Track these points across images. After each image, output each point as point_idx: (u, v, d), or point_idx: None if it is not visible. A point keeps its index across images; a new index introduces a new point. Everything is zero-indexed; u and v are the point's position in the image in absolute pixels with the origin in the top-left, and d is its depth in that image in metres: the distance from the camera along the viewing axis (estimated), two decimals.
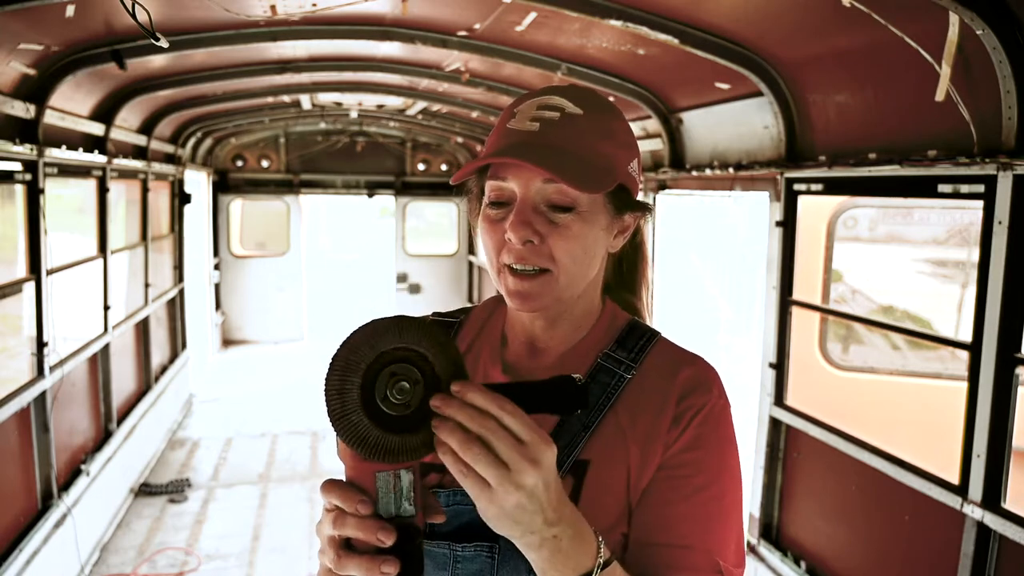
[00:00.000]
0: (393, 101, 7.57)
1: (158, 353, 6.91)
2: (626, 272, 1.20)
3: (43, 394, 3.98)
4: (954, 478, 2.68)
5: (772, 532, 3.92)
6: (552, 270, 0.98)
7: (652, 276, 1.22)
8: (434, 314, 1.21)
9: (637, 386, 1.02)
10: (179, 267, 7.81)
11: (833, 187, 3.38)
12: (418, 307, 10.42)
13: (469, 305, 1.25)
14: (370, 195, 10.73)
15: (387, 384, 0.78)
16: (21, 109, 3.69)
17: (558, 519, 0.79)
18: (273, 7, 3.64)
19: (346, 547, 0.81)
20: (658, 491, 0.97)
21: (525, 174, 0.97)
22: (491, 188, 1.01)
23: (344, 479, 0.83)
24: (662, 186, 4.87)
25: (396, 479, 0.80)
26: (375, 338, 0.78)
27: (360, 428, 0.77)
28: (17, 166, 3.73)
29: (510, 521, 0.77)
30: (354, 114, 8.60)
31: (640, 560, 0.95)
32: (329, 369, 0.77)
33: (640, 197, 1.09)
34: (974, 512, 2.56)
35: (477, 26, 3.97)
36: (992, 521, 2.50)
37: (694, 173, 4.46)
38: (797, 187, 3.60)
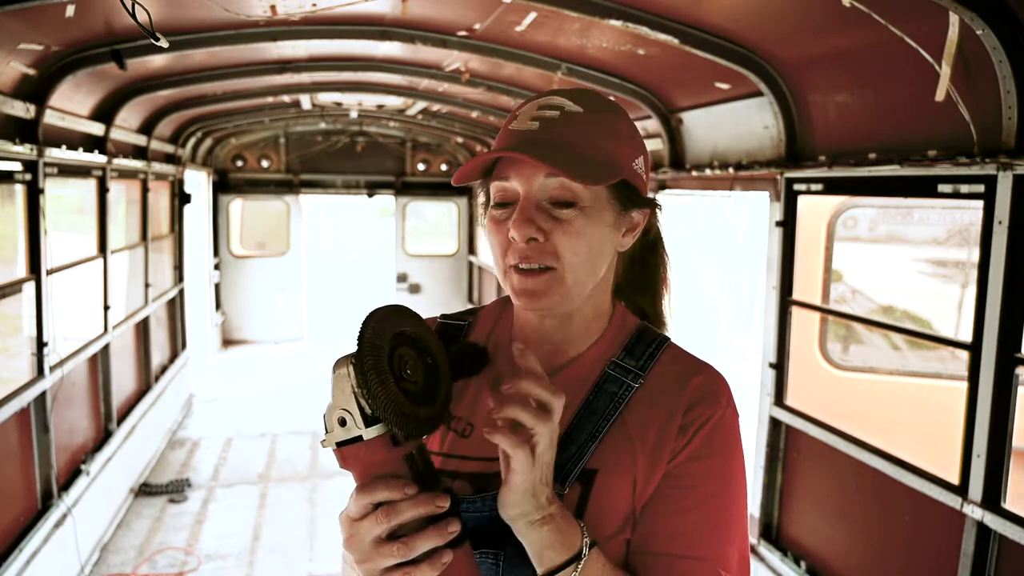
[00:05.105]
0: (393, 101, 7.57)
1: (158, 353, 6.91)
2: (640, 274, 1.16)
3: (43, 394, 3.98)
4: (954, 478, 2.68)
5: (772, 532, 3.92)
6: (557, 267, 0.97)
7: (670, 277, 1.18)
8: (441, 316, 1.20)
9: (645, 395, 1.01)
10: (179, 267, 7.80)
11: (833, 187, 3.38)
12: (418, 307, 10.21)
13: (473, 307, 1.23)
14: (370, 195, 10.73)
15: (399, 365, 0.85)
16: (21, 109, 3.69)
17: (550, 500, 0.89)
18: (273, 7, 3.64)
19: (391, 539, 0.83)
20: (663, 500, 0.97)
21: (527, 171, 0.97)
22: (495, 190, 1.01)
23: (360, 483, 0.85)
24: (662, 186, 4.87)
25: (419, 453, 0.87)
26: (384, 324, 0.85)
27: (406, 407, 0.83)
28: (17, 166, 3.73)
29: (524, 492, 0.86)
30: (354, 114, 8.60)
31: (642, 568, 0.95)
32: (361, 358, 0.82)
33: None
34: (974, 512, 2.56)
35: (477, 26, 3.97)
36: (992, 521, 2.50)
37: (694, 173, 4.46)
38: (797, 187, 3.60)
